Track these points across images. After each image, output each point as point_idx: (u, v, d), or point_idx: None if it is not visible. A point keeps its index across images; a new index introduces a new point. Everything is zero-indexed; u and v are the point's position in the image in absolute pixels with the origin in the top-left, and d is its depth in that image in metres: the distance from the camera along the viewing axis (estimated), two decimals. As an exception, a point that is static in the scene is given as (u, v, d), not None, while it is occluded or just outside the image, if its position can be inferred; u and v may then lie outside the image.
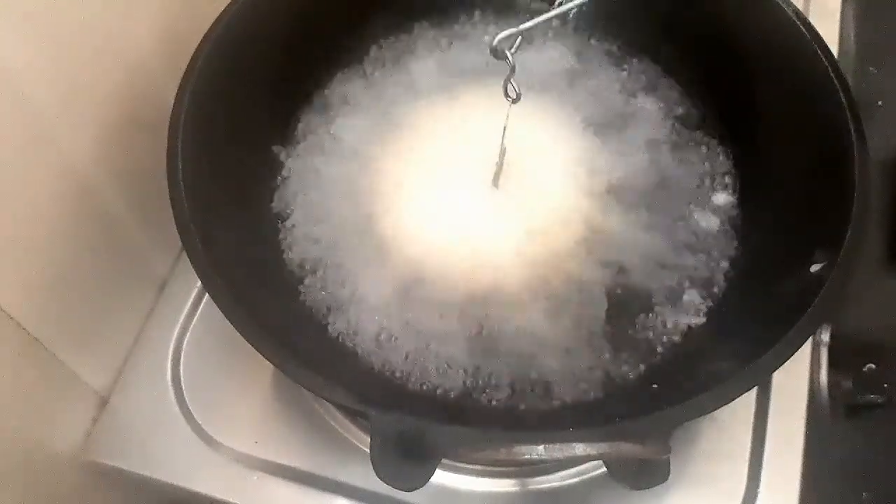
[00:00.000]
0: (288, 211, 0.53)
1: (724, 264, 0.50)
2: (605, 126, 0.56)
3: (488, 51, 0.43)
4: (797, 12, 0.48)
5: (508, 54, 0.44)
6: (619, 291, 0.49)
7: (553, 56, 0.59)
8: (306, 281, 0.50)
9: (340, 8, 0.55)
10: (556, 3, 0.46)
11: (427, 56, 0.59)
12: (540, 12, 0.44)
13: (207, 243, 0.40)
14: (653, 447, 0.34)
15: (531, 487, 0.50)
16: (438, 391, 0.46)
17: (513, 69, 0.44)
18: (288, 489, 0.50)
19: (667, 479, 0.35)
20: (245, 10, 0.48)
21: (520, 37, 0.44)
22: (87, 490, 0.53)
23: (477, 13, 0.61)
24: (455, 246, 0.51)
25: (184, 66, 0.45)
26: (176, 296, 0.58)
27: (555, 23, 0.60)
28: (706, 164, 0.54)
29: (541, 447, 0.34)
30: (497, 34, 0.43)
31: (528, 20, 0.43)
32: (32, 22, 0.41)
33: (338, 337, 0.48)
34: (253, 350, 0.38)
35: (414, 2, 0.59)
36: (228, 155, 0.48)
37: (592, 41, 0.60)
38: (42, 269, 0.46)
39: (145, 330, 0.57)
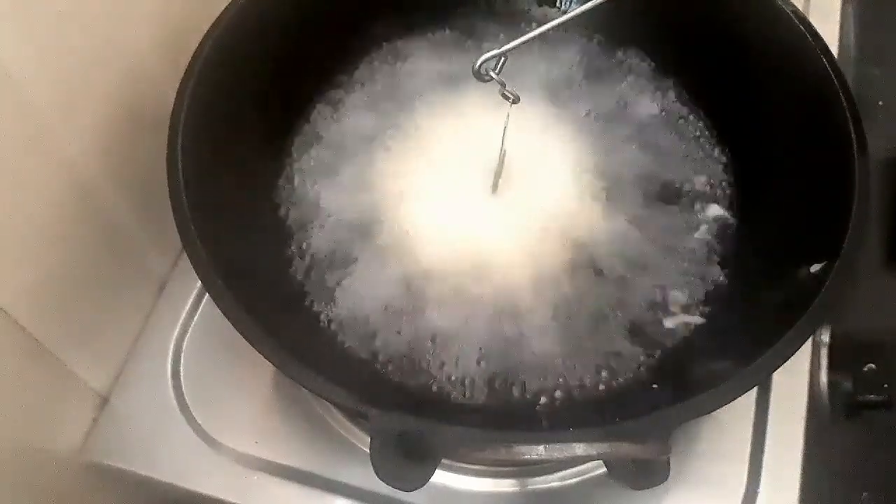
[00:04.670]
0: (289, 211, 0.53)
1: (724, 264, 0.50)
2: (605, 128, 0.56)
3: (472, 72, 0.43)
4: (797, 12, 0.48)
5: (493, 75, 0.44)
6: (618, 292, 0.49)
7: (553, 58, 0.59)
8: (307, 281, 0.50)
9: (342, 10, 0.55)
10: (560, 7, 0.45)
11: (429, 59, 0.59)
12: (541, 17, 0.44)
13: (207, 243, 0.40)
14: (653, 447, 0.34)
15: (531, 487, 0.50)
16: (439, 391, 0.46)
17: (502, 84, 0.44)
18: (288, 489, 0.50)
19: (667, 479, 0.35)
20: (246, 10, 0.48)
21: (503, 58, 0.44)
22: (87, 490, 0.53)
23: (478, 19, 0.61)
24: (455, 248, 0.51)
25: (184, 66, 0.45)
26: (176, 296, 0.58)
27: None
28: (706, 164, 0.55)
29: (541, 447, 0.34)
30: (479, 57, 0.43)
31: (522, 30, 0.43)
32: (32, 22, 0.41)
33: (338, 337, 0.48)
34: (253, 350, 0.38)
35: (417, 6, 0.59)
36: (229, 155, 0.48)
37: (592, 43, 0.60)
38: (42, 269, 0.46)
39: (145, 330, 0.57)
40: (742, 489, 0.49)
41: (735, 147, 0.54)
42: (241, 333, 0.38)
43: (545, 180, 0.53)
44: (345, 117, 0.57)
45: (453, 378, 0.47)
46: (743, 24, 0.51)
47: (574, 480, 0.50)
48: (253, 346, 0.38)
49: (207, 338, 0.56)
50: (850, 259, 0.40)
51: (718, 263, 0.51)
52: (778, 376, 0.52)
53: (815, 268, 0.41)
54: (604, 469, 0.47)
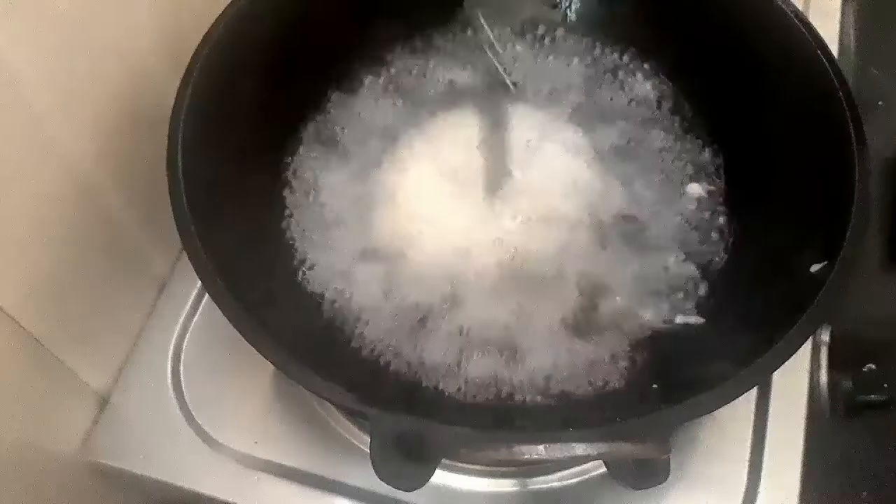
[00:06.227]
0: (289, 210, 0.53)
1: (724, 264, 0.50)
2: (602, 128, 0.56)
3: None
4: (797, 13, 0.48)
5: (480, 15, 0.43)
6: (617, 292, 0.49)
7: (556, 64, 0.59)
8: (306, 281, 0.50)
9: (342, 11, 0.55)
10: (560, 6, 0.45)
11: (431, 60, 0.59)
12: (542, 19, 0.44)
13: (207, 243, 0.40)
14: (653, 447, 0.34)
15: (531, 487, 0.50)
16: (440, 391, 0.46)
17: (481, 28, 0.43)
18: (288, 489, 0.50)
19: (667, 479, 0.35)
20: (246, 10, 0.48)
21: None
22: (87, 490, 0.53)
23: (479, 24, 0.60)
24: (457, 248, 0.51)
25: (184, 66, 0.45)
26: (176, 296, 0.58)
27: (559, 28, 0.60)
28: (705, 164, 0.55)
29: (541, 447, 0.34)
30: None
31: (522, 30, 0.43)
32: (32, 22, 0.41)
33: (338, 337, 0.48)
34: (253, 350, 0.38)
35: (418, 7, 0.59)
36: (229, 155, 0.48)
37: (589, 45, 0.60)
38: (42, 269, 0.46)
39: (145, 330, 0.57)
40: (742, 489, 0.49)
41: (735, 147, 0.54)
42: (241, 333, 0.38)
43: (544, 181, 0.53)
44: (346, 117, 0.57)
45: (454, 378, 0.47)
46: (742, 25, 0.51)
47: (574, 480, 0.50)
48: (253, 346, 0.38)
49: (207, 338, 0.56)
50: (850, 259, 0.40)
51: (718, 263, 0.51)
52: (778, 376, 0.52)
53: (815, 268, 0.41)
54: (604, 469, 0.47)
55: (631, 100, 0.58)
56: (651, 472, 0.35)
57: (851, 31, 0.70)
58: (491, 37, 0.43)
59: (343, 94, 0.58)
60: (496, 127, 0.53)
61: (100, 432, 0.53)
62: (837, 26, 0.67)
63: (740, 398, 0.36)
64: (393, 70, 0.59)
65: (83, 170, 0.48)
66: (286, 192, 0.54)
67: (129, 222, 0.53)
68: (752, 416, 0.51)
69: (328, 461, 0.51)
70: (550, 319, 0.48)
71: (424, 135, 0.56)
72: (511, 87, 0.45)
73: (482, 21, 0.43)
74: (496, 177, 0.52)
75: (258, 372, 0.54)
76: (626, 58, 0.59)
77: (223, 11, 0.48)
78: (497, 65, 0.44)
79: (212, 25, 0.47)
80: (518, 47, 0.59)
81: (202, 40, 0.46)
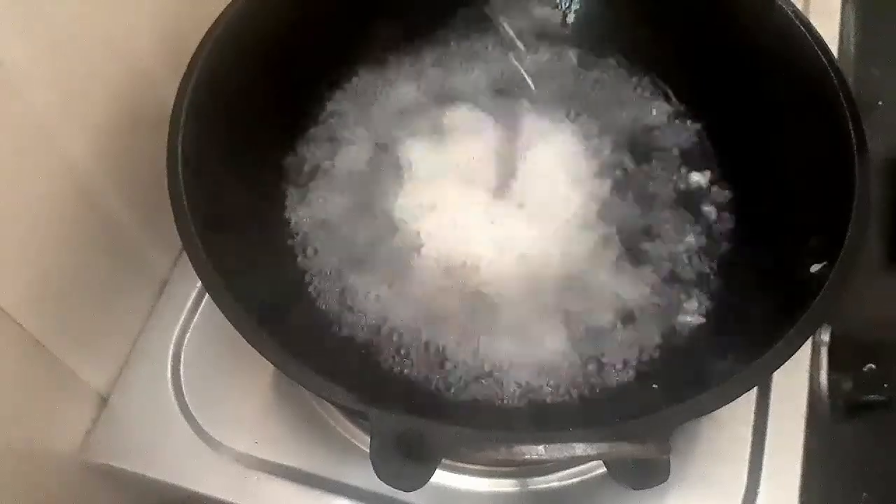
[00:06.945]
0: (290, 211, 0.53)
1: (724, 264, 0.50)
2: (602, 132, 0.56)
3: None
4: (797, 12, 0.48)
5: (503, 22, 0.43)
6: (618, 293, 0.49)
7: (555, 67, 0.59)
8: (307, 281, 0.50)
9: (342, 12, 0.55)
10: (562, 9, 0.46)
11: (432, 60, 0.60)
12: (541, 18, 0.44)
13: (207, 243, 0.40)
14: (653, 447, 0.34)
15: (531, 487, 0.50)
16: (440, 392, 0.46)
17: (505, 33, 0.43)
18: (288, 489, 0.50)
19: (667, 479, 0.35)
20: (246, 9, 0.48)
21: None
22: (86, 490, 0.53)
23: (479, 20, 0.60)
24: (459, 250, 0.51)
25: (184, 66, 0.45)
26: (176, 296, 0.58)
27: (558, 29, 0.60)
28: (705, 165, 0.55)
29: (541, 447, 0.34)
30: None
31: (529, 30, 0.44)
32: (32, 21, 0.41)
33: (339, 337, 0.48)
34: (253, 350, 0.38)
35: (419, 8, 0.58)
36: (229, 155, 0.48)
37: (591, 46, 0.60)
38: (42, 269, 0.46)
39: (145, 330, 0.57)
40: (742, 489, 0.49)
41: (735, 148, 0.54)
42: (241, 333, 0.38)
43: (547, 187, 0.53)
44: (347, 117, 0.57)
45: (455, 378, 0.47)
46: (743, 25, 0.51)
47: (574, 480, 0.50)
48: (253, 346, 0.38)
49: (207, 338, 0.56)
50: (850, 259, 0.40)
51: (718, 264, 0.51)
52: (778, 376, 0.52)
53: (815, 268, 0.41)
54: (604, 469, 0.47)
55: (629, 99, 0.58)
56: (651, 472, 0.35)
57: (851, 31, 0.70)
58: (515, 40, 0.43)
59: (343, 94, 0.58)
60: (496, 129, 0.53)
61: (100, 432, 0.53)
62: (837, 26, 0.67)
63: (740, 398, 0.36)
64: (393, 70, 0.59)
65: (83, 170, 0.48)
66: (286, 192, 0.54)
67: (129, 222, 0.53)
68: (752, 416, 0.51)
69: (328, 461, 0.51)
70: (551, 320, 0.48)
71: (426, 136, 0.56)
72: (531, 86, 0.45)
73: (506, 27, 0.43)
74: (500, 179, 0.52)
75: (258, 372, 0.54)
76: (625, 58, 0.59)
77: (223, 11, 0.48)
78: (518, 65, 0.44)
79: (212, 25, 0.47)
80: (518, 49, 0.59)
81: (202, 40, 0.46)
